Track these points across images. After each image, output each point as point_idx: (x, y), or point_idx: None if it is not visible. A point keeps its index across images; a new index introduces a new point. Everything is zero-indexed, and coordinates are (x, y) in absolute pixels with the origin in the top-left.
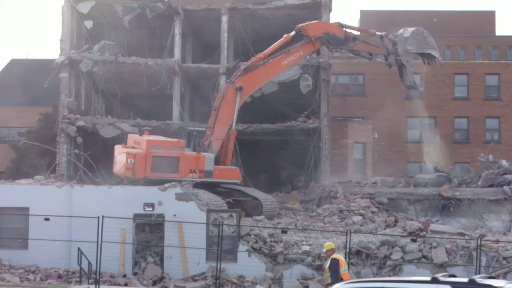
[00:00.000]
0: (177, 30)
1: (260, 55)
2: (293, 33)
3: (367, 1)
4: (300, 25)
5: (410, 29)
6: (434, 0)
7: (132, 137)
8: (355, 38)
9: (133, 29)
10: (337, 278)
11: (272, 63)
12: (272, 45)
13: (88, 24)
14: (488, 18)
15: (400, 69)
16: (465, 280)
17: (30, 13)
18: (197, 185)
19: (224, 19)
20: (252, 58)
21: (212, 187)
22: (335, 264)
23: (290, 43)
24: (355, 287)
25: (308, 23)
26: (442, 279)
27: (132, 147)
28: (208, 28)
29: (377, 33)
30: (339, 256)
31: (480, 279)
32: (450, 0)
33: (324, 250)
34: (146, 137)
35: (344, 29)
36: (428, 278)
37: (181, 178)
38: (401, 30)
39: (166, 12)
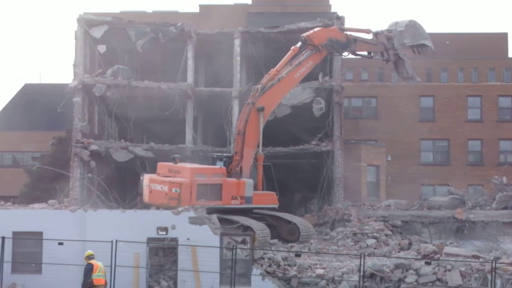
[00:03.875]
0: (190, 54)
1: (273, 71)
2: (299, 44)
3: (379, 23)
4: (305, 34)
5: (403, 23)
6: (446, 23)
7: (165, 166)
8: (356, 39)
9: (146, 53)
10: (85, 282)
11: (286, 78)
12: (282, 60)
13: (101, 48)
14: (500, 40)
15: (396, 63)
16: None
17: (43, 38)
18: (232, 212)
19: (237, 42)
20: (266, 75)
21: (246, 213)
22: (88, 268)
23: (297, 54)
24: None
25: (312, 31)
26: None
27: (168, 176)
28: (221, 52)
29: (371, 30)
30: (95, 262)
31: None
32: (462, 22)
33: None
34: (188, 165)
35: (344, 32)
36: None
37: (225, 205)
38: (393, 24)
39: (179, 36)
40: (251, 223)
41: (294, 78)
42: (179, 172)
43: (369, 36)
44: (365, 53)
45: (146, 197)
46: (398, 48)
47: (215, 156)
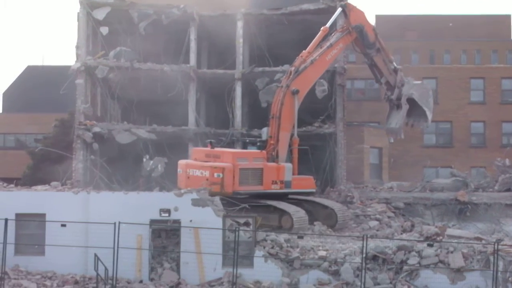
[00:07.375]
0: (193, 36)
1: (305, 53)
2: (329, 23)
3: (382, 6)
4: (347, 2)
5: (419, 81)
6: (449, 5)
7: (201, 151)
8: (379, 49)
9: (148, 35)
10: None
11: (318, 61)
12: (313, 41)
13: (104, 30)
14: (504, 22)
15: (392, 110)
16: None
17: (46, 20)
18: (269, 197)
19: (239, 24)
20: (298, 57)
21: (281, 198)
22: None
23: (327, 34)
24: None
25: (354, 6)
26: None
27: (207, 161)
28: (223, 33)
29: (394, 63)
30: None
31: None
32: (465, 4)
33: None
34: (228, 150)
35: (376, 36)
36: None
37: (265, 190)
38: (411, 78)
39: (182, 18)
40: (289, 209)
41: (326, 60)
42: (219, 156)
43: (389, 62)
44: (377, 71)
45: (182, 183)
46: (405, 94)
47: (248, 140)
